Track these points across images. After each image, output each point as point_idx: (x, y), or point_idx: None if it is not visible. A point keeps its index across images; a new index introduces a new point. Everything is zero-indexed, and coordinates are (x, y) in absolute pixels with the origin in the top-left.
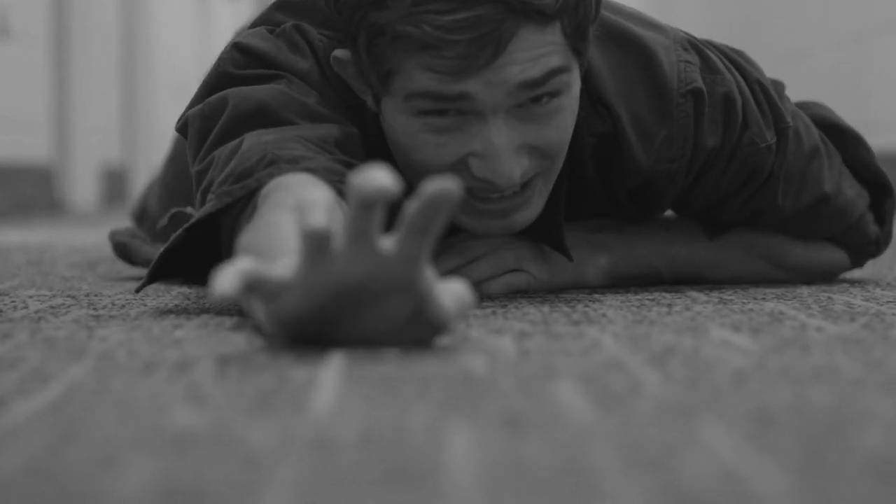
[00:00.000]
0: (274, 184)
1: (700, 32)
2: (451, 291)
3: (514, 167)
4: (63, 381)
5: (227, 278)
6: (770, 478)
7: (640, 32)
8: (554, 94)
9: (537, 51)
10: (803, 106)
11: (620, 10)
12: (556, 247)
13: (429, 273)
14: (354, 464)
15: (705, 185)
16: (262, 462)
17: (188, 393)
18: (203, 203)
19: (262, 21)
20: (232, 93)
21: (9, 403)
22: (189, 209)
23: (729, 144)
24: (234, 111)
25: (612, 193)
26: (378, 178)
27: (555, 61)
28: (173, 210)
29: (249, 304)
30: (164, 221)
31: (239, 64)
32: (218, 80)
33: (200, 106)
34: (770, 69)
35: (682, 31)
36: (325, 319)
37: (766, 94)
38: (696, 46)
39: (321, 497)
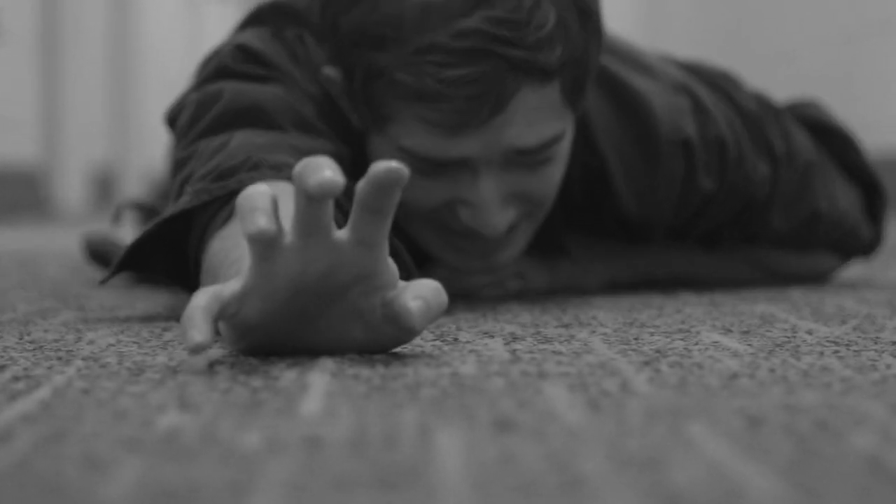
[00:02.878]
0: None
1: (690, 35)
2: (422, 289)
3: (502, 219)
4: (52, 383)
5: (194, 328)
6: (761, 479)
7: (632, 81)
8: (548, 155)
9: (535, 114)
10: (795, 106)
11: (615, 51)
12: (558, 250)
13: (392, 265)
14: (344, 465)
15: (702, 220)
16: (251, 464)
17: (177, 395)
18: (179, 193)
19: (258, 21)
20: (229, 86)
21: None
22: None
23: (726, 183)
24: (227, 105)
25: (601, 219)
26: (321, 173)
27: (551, 129)
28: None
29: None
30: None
31: (239, 60)
32: (216, 72)
33: (197, 93)
34: (759, 72)
35: (672, 66)
36: (291, 322)
37: (757, 122)
38: (686, 87)
39: (311, 499)
